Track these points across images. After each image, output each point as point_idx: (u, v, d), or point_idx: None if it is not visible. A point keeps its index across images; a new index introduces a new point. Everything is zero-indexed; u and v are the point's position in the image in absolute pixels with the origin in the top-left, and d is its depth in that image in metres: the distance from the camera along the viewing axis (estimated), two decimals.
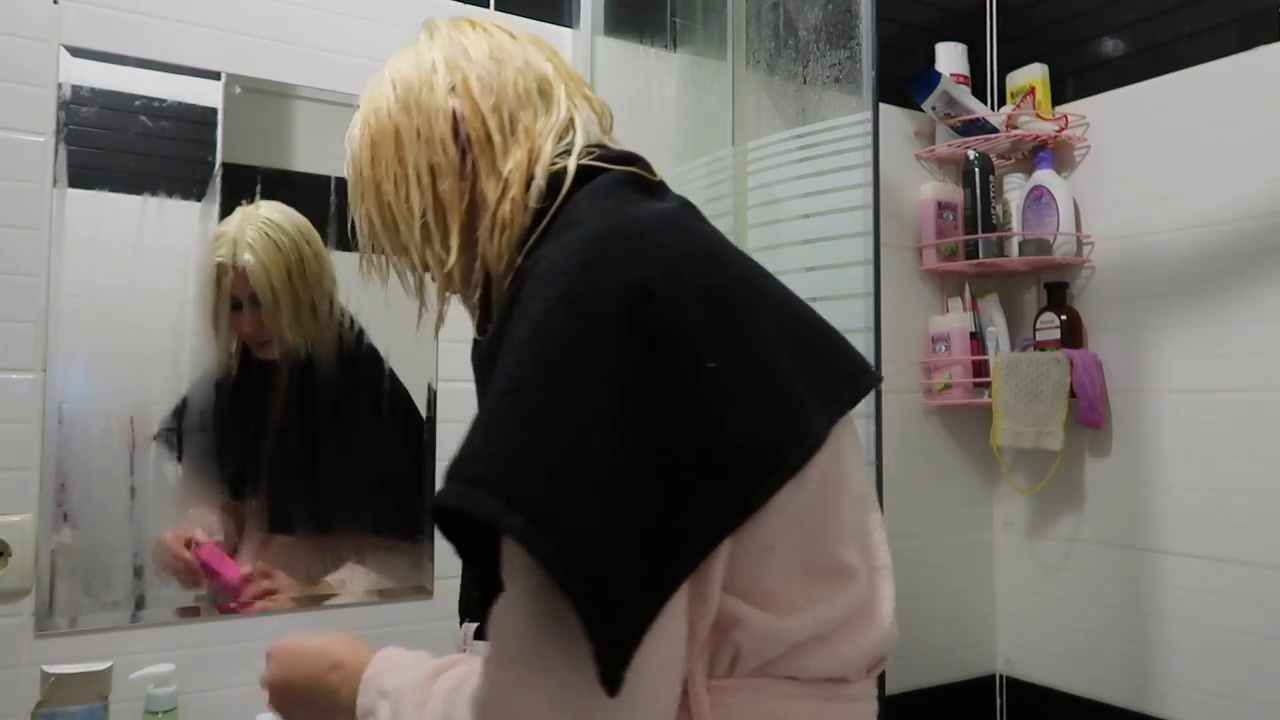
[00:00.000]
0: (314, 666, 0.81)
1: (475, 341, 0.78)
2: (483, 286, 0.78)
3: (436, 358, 1.51)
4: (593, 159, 0.76)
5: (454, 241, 0.78)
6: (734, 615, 0.63)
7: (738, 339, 0.63)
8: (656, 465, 0.57)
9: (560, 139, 0.78)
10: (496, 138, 0.78)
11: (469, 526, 0.60)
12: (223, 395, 1.34)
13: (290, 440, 1.40)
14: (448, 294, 0.82)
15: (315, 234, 1.42)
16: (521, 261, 0.73)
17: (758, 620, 0.63)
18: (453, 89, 0.79)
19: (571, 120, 0.79)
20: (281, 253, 1.38)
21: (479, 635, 0.80)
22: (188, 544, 1.31)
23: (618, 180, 0.74)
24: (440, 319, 0.84)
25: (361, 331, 1.45)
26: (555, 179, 0.75)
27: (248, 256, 1.35)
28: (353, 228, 0.85)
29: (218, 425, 1.34)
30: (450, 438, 1.51)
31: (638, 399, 0.58)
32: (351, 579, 1.42)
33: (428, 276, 0.83)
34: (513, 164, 0.77)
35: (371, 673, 0.74)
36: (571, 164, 0.75)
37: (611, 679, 0.53)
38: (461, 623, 0.83)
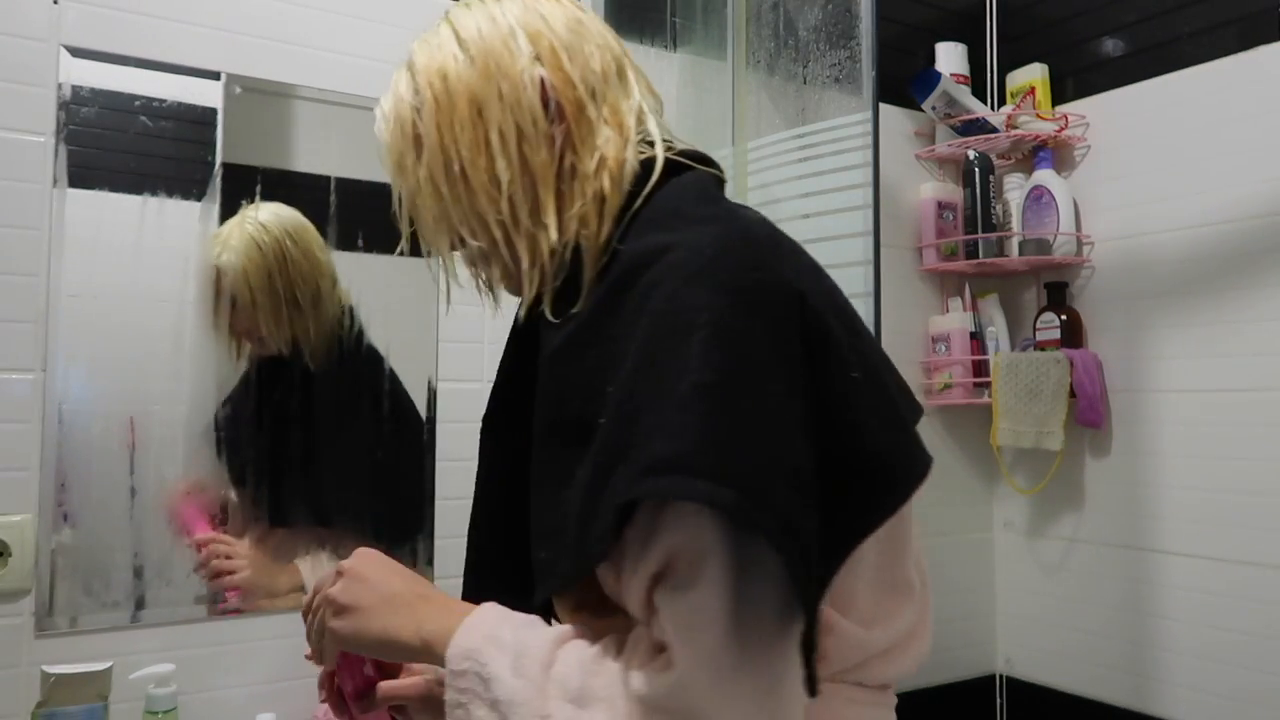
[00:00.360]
0: (405, 584, 0.74)
1: (545, 321, 0.73)
2: (569, 266, 0.73)
3: (436, 358, 1.51)
4: (674, 153, 0.75)
5: (551, 218, 0.73)
6: (828, 622, 0.65)
7: (863, 353, 0.66)
8: (817, 466, 0.60)
9: (639, 124, 0.76)
10: (591, 111, 0.75)
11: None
12: (224, 392, 1.35)
13: (287, 437, 1.40)
14: (537, 272, 0.74)
15: (307, 232, 1.41)
16: (617, 244, 0.71)
17: (849, 630, 0.66)
18: (537, 57, 0.74)
19: (642, 107, 0.78)
20: (261, 252, 1.37)
21: None
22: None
23: (711, 181, 0.75)
24: (530, 302, 0.75)
25: (361, 330, 1.45)
26: (646, 166, 0.74)
27: (227, 257, 1.35)
28: (399, 200, 0.78)
29: (219, 421, 1.34)
30: (450, 438, 1.51)
31: (806, 400, 0.60)
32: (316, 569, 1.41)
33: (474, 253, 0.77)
34: (604, 140, 0.74)
35: (480, 619, 0.69)
36: (660, 153, 0.74)
37: (814, 679, 0.56)
38: None
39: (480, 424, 0.86)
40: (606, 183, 0.72)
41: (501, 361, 0.85)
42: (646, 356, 0.61)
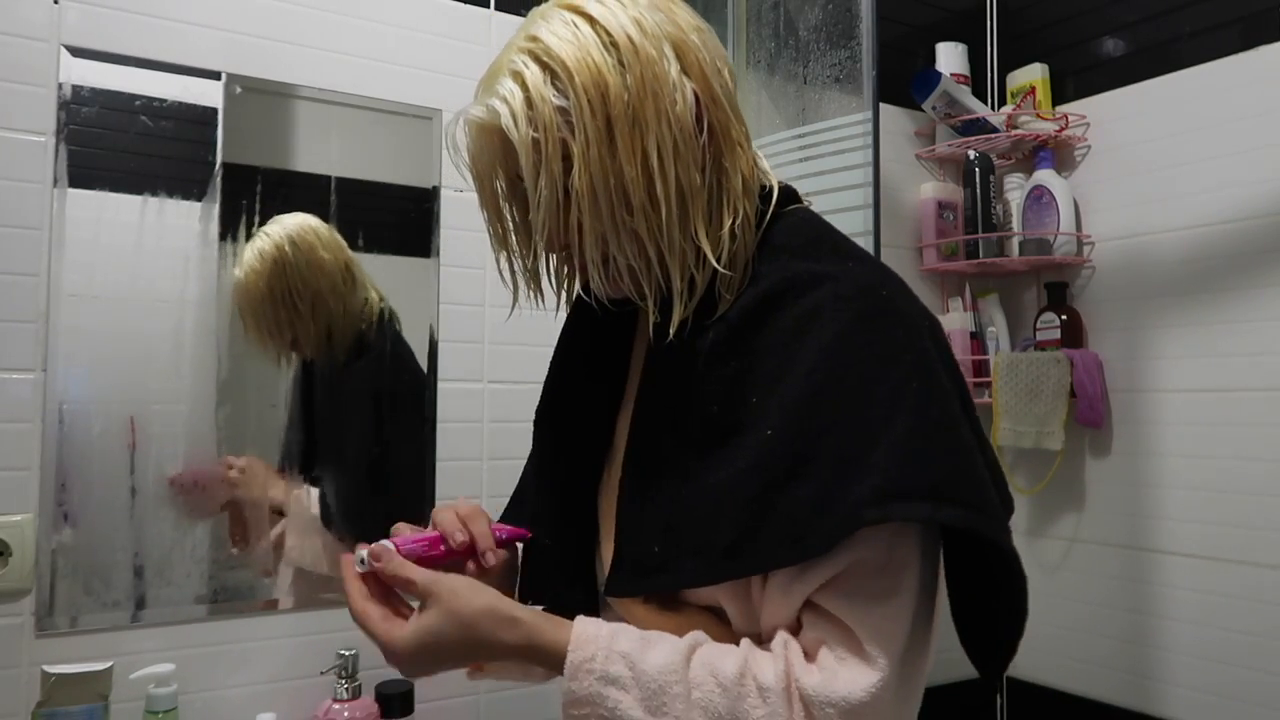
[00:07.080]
0: (489, 611, 0.70)
1: (668, 337, 0.73)
2: (707, 281, 0.73)
3: (437, 358, 1.51)
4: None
5: (705, 239, 0.72)
6: None
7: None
8: None
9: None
10: (735, 130, 0.75)
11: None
12: (225, 392, 1.34)
13: (295, 437, 1.40)
14: (688, 287, 0.73)
15: (311, 235, 1.41)
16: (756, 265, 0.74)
17: None
18: (684, 70, 0.72)
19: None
20: (261, 259, 1.37)
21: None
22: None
23: (819, 215, 0.80)
24: (681, 317, 0.74)
25: (386, 327, 1.45)
26: (766, 191, 0.77)
27: (238, 271, 1.36)
28: (540, 204, 0.72)
29: (219, 422, 1.34)
30: (450, 437, 1.51)
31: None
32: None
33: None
34: (742, 159, 0.75)
35: (588, 639, 0.68)
36: (774, 179, 0.78)
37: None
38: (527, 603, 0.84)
39: (534, 417, 0.87)
40: (749, 203, 0.75)
41: (566, 356, 0.86)
42: (837, 381, 0.66)
